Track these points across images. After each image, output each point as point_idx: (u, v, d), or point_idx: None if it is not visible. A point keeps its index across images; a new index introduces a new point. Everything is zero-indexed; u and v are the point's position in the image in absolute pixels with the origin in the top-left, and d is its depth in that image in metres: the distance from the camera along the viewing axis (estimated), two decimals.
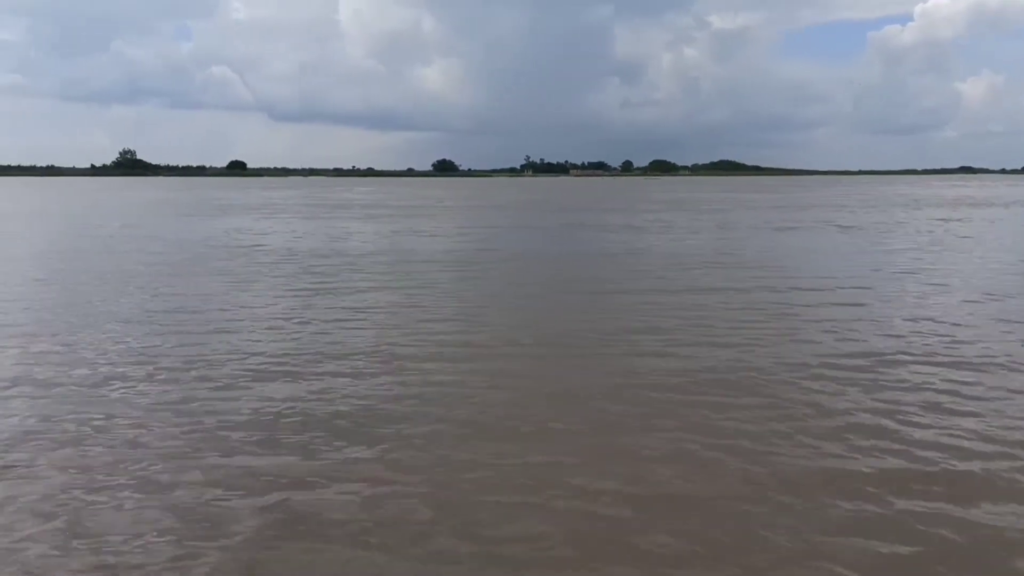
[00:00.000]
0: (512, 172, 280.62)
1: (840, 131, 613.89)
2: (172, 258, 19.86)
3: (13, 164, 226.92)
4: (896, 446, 6.02)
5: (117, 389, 7.78)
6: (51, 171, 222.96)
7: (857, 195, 68.47)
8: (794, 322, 10.96)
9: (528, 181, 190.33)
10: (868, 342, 9.54)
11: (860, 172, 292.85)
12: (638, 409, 6.96)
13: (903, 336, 9.86)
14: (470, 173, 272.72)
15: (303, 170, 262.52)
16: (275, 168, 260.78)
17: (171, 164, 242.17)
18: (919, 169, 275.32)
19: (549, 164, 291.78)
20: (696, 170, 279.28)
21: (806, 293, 13.47)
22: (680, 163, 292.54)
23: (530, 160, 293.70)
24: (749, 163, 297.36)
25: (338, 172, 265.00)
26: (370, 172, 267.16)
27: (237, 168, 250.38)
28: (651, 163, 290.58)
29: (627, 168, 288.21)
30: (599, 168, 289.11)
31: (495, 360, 8.82)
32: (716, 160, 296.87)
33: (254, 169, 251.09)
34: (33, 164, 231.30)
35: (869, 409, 6.88)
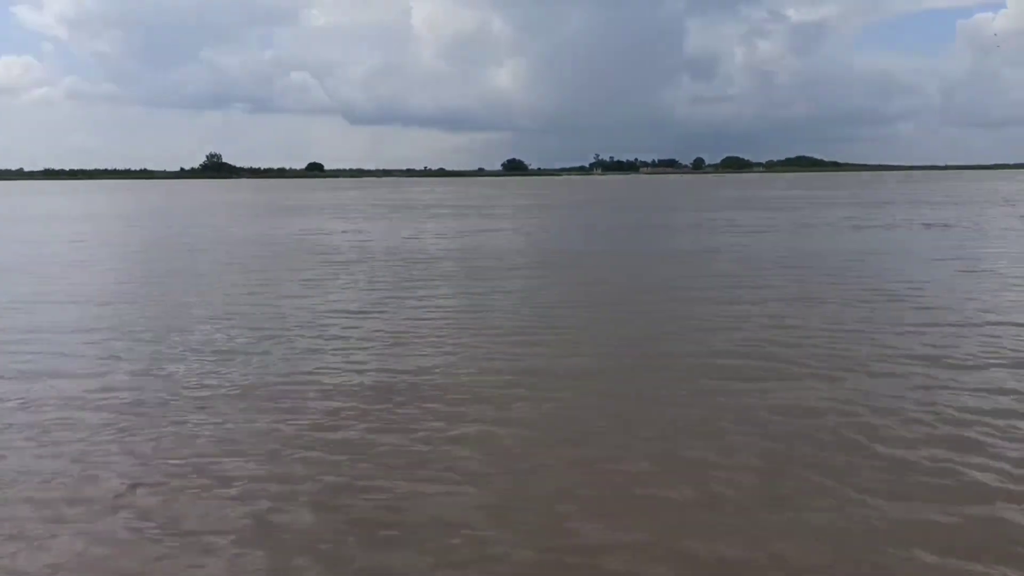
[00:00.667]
0: (581, 171, 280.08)
1: (926, 125, 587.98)
2: (287, 254, 21.44)
3: (111, 168, 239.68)
4: None
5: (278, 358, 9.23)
6: (144, 174, 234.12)
7: (946, 190, 66.27)
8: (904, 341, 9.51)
9: (597, 180, 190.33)
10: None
11: (948, 167, 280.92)
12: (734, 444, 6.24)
13: None
14: (539, 172, 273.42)
15: (377, 171, 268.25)
16: (350, 169, 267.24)
17: (253, 166, 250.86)
18: (1011, 164, 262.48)
19: (619, 162, 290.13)
20: (771, 167, 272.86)
21: (898, 304, 12.20)
22: (754, 160, 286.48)
23: (599, 158, 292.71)
24: (827, 159, 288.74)
25: (410, 172, 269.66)
26: (441, 172, 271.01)
27: (315, 169, 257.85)
28: (723, 160, 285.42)
29: (698, 165, 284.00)
30: (669, 165, 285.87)
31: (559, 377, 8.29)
32: (792, 156, 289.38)
33: (331, 170, 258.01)
34: (128, 168, 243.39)
35: None
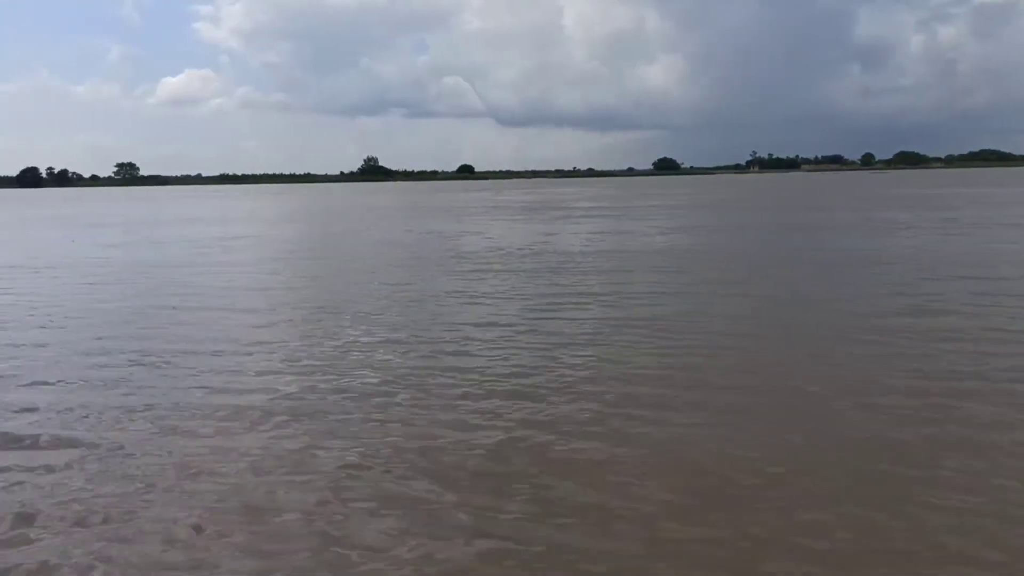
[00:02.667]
0: (737, 169, 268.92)
1: None
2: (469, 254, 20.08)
3: (277, 172, 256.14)
4: None
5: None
6: (307, 178, 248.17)
7: None
8: None
9: (754, 178, 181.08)
10: None
11: None
12: None
13: None
14: (692, 171, 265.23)
15: (526, 172, 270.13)
16: (500, 171, 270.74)
17: (407, 169, 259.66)
18: None
19: (778, 159, 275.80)
20: (951, 161, 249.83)
21: None
22: (931, 154, 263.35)
23: (756, 155, 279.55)
24: (1017, 152, 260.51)
25: (559, 173, 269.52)
26: (591, 172, 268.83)
27: (465, 172, 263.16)
28: (896, 155, 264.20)
29: (867, 161, 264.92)
30: (834, 162, 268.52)
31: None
32: (976, 149, 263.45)
33: (481, 172, 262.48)
34: (293, 172, 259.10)
35: None
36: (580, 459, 5.78)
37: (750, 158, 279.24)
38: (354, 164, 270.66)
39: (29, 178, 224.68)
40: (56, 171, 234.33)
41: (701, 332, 10.15)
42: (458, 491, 5.27)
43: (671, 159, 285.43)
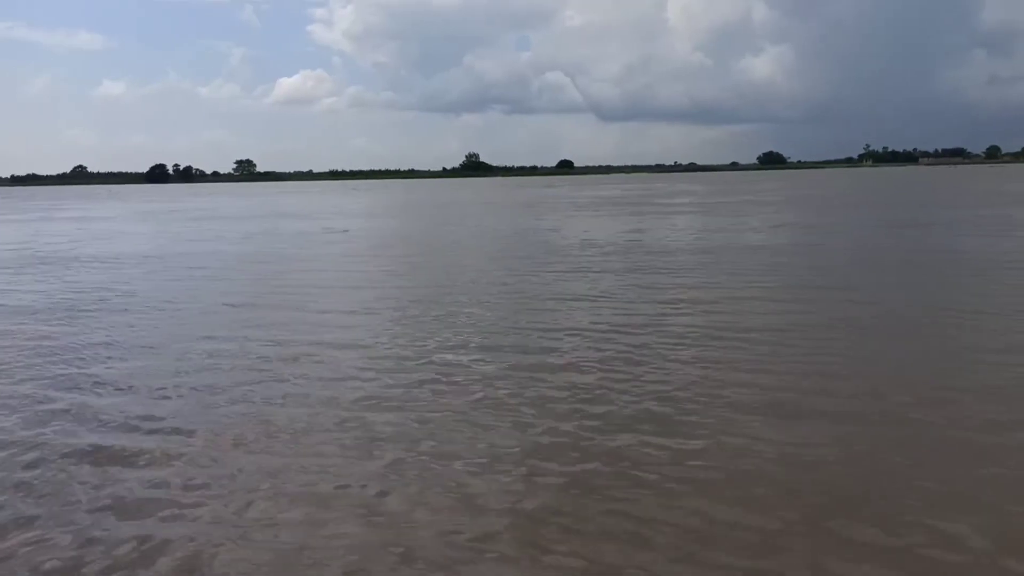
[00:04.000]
0: (848, 163, 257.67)
1: None
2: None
3: (383, 168, 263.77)
4: None
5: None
6: (411, 174, 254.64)
7: None
8: None
9: (866, 172, 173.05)
10: None
11: None
12: None
13: None
14: (799, 165, 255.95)
15: (626, 167, 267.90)
16: (599, 166, 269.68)
17: (507, 165, 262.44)
18: None
19: (893, 152, 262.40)
20: None
21: None
22: None
23: (870, 149, 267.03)
24: None
25: (659, 168, 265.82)
26: (692, 167, 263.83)
27: (565, 167, 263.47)
28: None
29: (992, 154, 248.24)
30: (956, 155, 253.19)
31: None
32: None
33: (580, 168, 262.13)
34: (398, 168, 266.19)
35: None
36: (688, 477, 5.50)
37: (863, 152, 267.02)
38: (456, 160, 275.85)
39: (157, 174, 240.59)
40: (181, 168, 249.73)
41: (819, 346, 9.07)
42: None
43: (777, 153, 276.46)
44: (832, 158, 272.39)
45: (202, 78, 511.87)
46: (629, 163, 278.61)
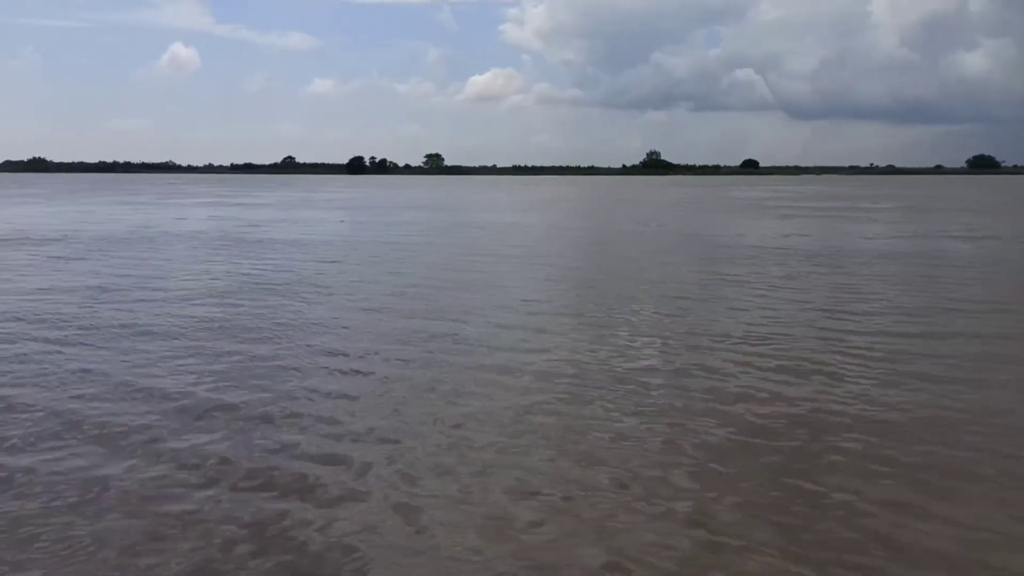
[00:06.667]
0: None
1: None
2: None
3: (563, 164, 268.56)
4: None
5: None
6: (591, 170, 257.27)
7: None
8: None
9: None
10: None
11: None
12: None
13: None
14: (1015, 170, 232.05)
15: (815, 168, 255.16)
16: (787, 167, 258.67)
17: (689, 164, 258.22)
18: None
19: None
20: None
21: None
22: None
23: None
24: None
25: (854, 170, 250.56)
26: (890, 170, 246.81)
27: (749, 167, 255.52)
28: None
29: None
30: None
31: None
32: None
33: (766, 168, 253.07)
34: (578, 164, 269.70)
35: None
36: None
37: None
38: (636, 157, 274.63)
39: (355, 165, 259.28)
40: (377, 160, 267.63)
41: None
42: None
43: (989, 156, 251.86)
44: None
45: (401, 76, 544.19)
46: (820, 164, 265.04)
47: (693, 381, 8.46)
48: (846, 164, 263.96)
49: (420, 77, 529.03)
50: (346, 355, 9.68)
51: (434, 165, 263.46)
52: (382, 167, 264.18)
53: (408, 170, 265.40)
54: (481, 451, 6.50)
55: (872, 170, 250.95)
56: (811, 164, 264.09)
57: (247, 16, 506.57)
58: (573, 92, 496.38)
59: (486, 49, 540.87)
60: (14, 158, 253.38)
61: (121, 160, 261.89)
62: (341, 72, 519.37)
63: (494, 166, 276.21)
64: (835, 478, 5.89)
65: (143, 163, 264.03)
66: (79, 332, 11.10)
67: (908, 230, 29.86)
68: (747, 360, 9.37)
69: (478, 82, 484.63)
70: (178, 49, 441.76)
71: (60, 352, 9.90)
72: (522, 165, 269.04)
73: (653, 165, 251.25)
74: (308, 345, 10.23)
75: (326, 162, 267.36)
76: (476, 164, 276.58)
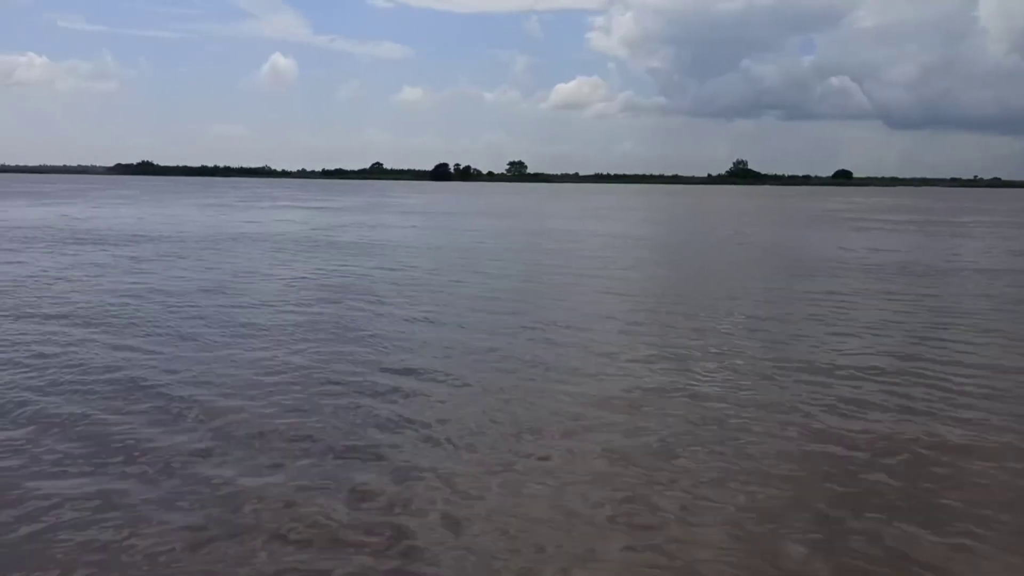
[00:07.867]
0: None
1: None
2: None
3: (647, 173, 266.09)
4: None
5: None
6: (674, 179, 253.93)
7: None
8: None
9: None
10: None
11: None
12: None
13: None
14: None
15: (914, 180, 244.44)
16: (883, 178, 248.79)
17: (777, 174, 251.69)
18: None
19: None
20: None
21: None
22: None
23: None
24: None
25: (955, 182, 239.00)
26: (996, 183, 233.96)
27: (842, 177, 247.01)
28: None
29: None
30: None
31: None
32: None
33: (860, 179, 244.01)
34: (662, 173, 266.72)
35: None
36: None
37: None
38: (723, 167, 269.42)
39: (440, 172, 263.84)
40: (461, 167, 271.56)
41: None
42: None
43: None
44: None
45: (488, 84, 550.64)
46: (919, 175, 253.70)
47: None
48: (947, 176, 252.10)
49: (507, 85, 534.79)
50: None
51: (516, 172, 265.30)
52: (466, 174, 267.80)
53: (491, 177, 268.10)
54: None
55: (976, 183, 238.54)
56: (909, 176, 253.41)
57: (343, 27, 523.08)
58: (658, 100, 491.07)
59: (572, 57, 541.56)
60: (124, 161, 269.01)
61: (221, 164, 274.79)
62: (431, 80, 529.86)
63: (576, 174, 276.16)
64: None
65: (241, 167, 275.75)
66: (179, 335, 11.99)
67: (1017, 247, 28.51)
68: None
69: (563, 90, 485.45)
70: (277, 59, 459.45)
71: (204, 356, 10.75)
72: (604, 173, 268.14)
73: (740, 174, 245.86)
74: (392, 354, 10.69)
75: (412, 168, 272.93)
76: (559, 172, 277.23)
